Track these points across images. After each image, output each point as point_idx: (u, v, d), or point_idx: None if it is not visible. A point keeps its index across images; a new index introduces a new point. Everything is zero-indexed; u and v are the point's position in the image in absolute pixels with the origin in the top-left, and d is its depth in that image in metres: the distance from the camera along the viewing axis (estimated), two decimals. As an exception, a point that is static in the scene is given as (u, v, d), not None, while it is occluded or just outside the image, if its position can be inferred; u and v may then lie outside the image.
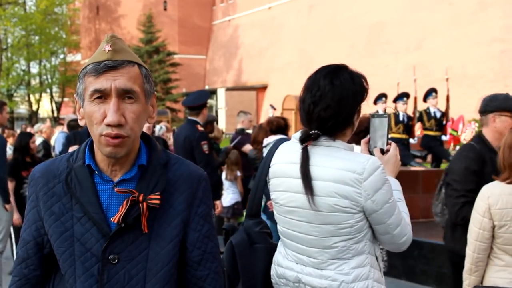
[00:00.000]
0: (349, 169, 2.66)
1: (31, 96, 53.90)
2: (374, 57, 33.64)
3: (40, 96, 54.25)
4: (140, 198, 2.01)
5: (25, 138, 8.44)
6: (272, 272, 3.02)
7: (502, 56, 26.84)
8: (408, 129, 13.79)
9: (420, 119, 13.75)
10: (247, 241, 3.14)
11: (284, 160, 2.91)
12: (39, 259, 2.15)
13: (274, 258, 3.03)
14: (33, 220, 2.14)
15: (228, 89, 43.98)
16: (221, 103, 42.14)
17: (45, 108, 57.57)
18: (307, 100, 2.78)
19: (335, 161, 2.71)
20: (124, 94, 1.99)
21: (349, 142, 2.89)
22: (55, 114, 51.94)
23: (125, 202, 2.00)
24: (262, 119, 33.54)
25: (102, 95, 1.97)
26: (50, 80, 53.98)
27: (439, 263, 7.32)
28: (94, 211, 2.03)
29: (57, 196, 2.09)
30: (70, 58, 56.71)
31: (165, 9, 51.71)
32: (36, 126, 16.93)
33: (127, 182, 2.08)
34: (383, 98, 14.05)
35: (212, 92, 40.80)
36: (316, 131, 2.75)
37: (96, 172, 2.09)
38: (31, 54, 49.86)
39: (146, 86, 2.09)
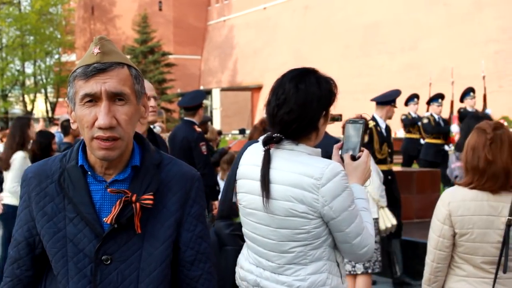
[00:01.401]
0: (307, 174, 2.64)
1: (25, 96, 53.84)
2: (369, 58, 33.69)
3: (35, 96, 54.22)
4: (133, 198, 2.00)
5: (46, 138, 8.09)
6: (236, 274, 3.03)
7: (496, 56, 26.92)
8: (445, 134, 12.45)
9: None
10: (217, 243, 3.15)
11: (249, 162, 2.92)
12: (31, 259, 2.13)
13: (238, 260, 3.04)
14: (25, 221, 2.13)
15: (223, 90, 44.03)
16: (216, 103, 42.18)
17: (40, 108, 57.48)
18: (272, 103, 2.77)
19: (295, 165, 2.69)
20: (115, 97, 1.98)
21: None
22: (50, 114, 51.87)
23: (118, 203, 1.99)
24: (257, 120, 33.56)
25: (92, 99, 1.97)
26: (44, 80, 53.96)
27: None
28: (87, 212, 2.02)
29: (50, 196, 2.08)
30: (65, 58, 56.69)
31: (160, 10, 51.71)
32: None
33: (120, 182, 2.08)
34: (415, 99, 12.85)
35: (207, 93, 40.77)
36: (278, 135, 2.75)
37: (89, 172, 2.09)
38: (26, 54, 49.87)
39: (136, 87, 2.08)
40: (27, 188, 2.13)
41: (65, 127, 9.58)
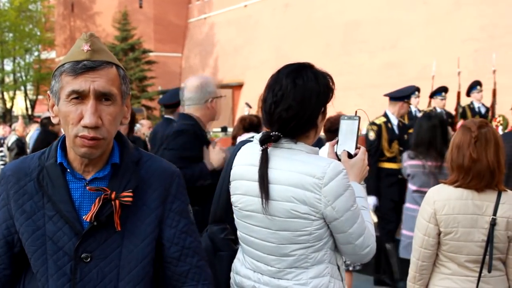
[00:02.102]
0: (308, 173, 2.53)
1: (5, 93, 53.41)
2: (350, 56, 33.76)
3: (14, 94, 53.78)
4: (113, 196, 2.00)
5: (51, 138, 8.03)
6: (231, 280, 2.90)
7: (476, 55, 27.08)
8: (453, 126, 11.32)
9: (463, 115, 11.78)
10: (211, 248, 3.03)
11: (244, 162, 2.79)
12: (9, 258, 2.13)
13: (233, 265, 2.92)
14: (3, 219, 2.11)
15: (204, 87, 43.88)
16: (197, 101, 42.02)
17: (20, 106, 57.06)
18: (268, 100, 2.65)
19: (295, 164, 2.58)
20: (102, 96, 1.98)
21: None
22: (30, 112, 51.50)
23: (97, 200, 1.99)
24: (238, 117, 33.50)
25: (79, 96, 1.96)
26: (24, 78, 53.50)
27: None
28: (66, 209, 2.02)
29: (29, 194, 2.07)
30: (44, 55, 56.24)
31: (140, 7, 51.43)
32: (13, 125, 16.85)
33: (100, 180, 2.07)
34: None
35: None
36: (276, 133, 2.63)
37: (68, 170, 2.08)
38: (5, 51, 49.47)
39: (123, 87, 2.08)
40: (6, 186, 2.12)
41: (45, 125, 9.54)
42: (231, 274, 2.90)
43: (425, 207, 3.55)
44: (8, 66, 53.54)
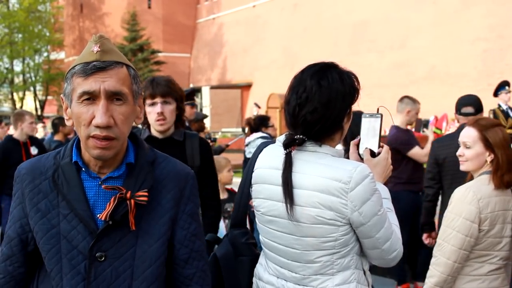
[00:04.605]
0: (334, 178, 2.43)
1: (14, 94, 53.54)
2: (358, 56, 33.70)
3: (24, 94, 53.91)
4: (128, 195, 2.00)
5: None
6: (254, 286, 2.81)
7: (485, 55, 27.00)
8: None
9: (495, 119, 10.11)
10: (232, 254, 2.93)
11: (267, 165, 2.68)
12: (24, 256, 2.14)
13: (255, 270, 2.82)
14: (18, 217, 2.13)
15: (212, 87, 43.91)
16: (205, 101, 42.06)
17: (29, 106, 57.17)
18: (292, 102, 2.54)
19: (320, 169, 2.47)
20: (113, 96, 1.99)
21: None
22: (39, 112, 51.60)
23: (112, 199, 1.99)
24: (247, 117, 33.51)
25: (90, 97, 1.97)
26: (33, 78, 53.61)
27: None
28: (81, 208, 2.03)
29: (44, 193, 2.08)
30: (53, 56, 56.36)
31: (149, 7, 51.43)
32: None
33: (115, 179, 2.08)
34: (506, 87, 10.73)
35: (197, 91, 40.68)
36: (301, 136, 2.53)
37: (83, 169, 2.09)
38: (15, 52, 49.56)
39: (134, 87, 2.08)
40: (21, 184, 2.13)
41: (55, 125, 9.56)
42: (254, 279, 2.82)
43: (467, 207, 3.48)
44: (17, 66, 53.68)
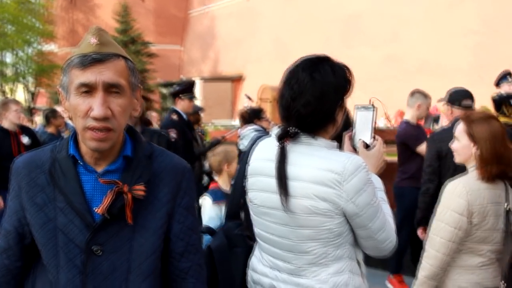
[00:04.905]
0: (328, 169, 2.46)
1: (5, 86, 53.28)
2: (351, 49, 33.67)
3: (14, 86, 53.64)
4: (125, 188, 2.00)
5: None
6: (248, 277, 2.85)
7: (477, 48, 27.03)
8: None
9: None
10: (226, 245, 2.97)
11: (261, 157, 2.71)
12: (20, 249, 2.14)
13: (250, 262, 2.86)
14: (14, 211, 2.13)
15: (204, 80, 43.83)
16: (197, 93, 41.99)
17: (20, 98, 56.93)
18: (285, 95, 2.56)
19: (314, 160, 2.50)
20: (111, 88, 1.98)
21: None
22: (30, 105, 51.38)
23: (109, 193, 1.99)
24: (239, 110, 33.47)
25: (88, 89, 1.96)
26: (24, 70, 53.35)
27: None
28: (77, 202, 2.02)
29: (40, 186, 2.08)
30: (45, 48, 56.09)
31: (141, -1, 51.30)
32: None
33: (112, 173, 2.08)
34: (509, 78, 10.67)
35: (189, 83, 40.51)
36: (294, 128, 2.56)
37: (80, 162, 2.09)
38: (5, 43, 49.26)
39: (131, 79, 2.08)
40: (17, 178, 2.13)
41: (47, 117, 9.54)
42: (248, 271, 2.85)
43: (456, 199, 3.49)
44: (8, 58, 53.38)
